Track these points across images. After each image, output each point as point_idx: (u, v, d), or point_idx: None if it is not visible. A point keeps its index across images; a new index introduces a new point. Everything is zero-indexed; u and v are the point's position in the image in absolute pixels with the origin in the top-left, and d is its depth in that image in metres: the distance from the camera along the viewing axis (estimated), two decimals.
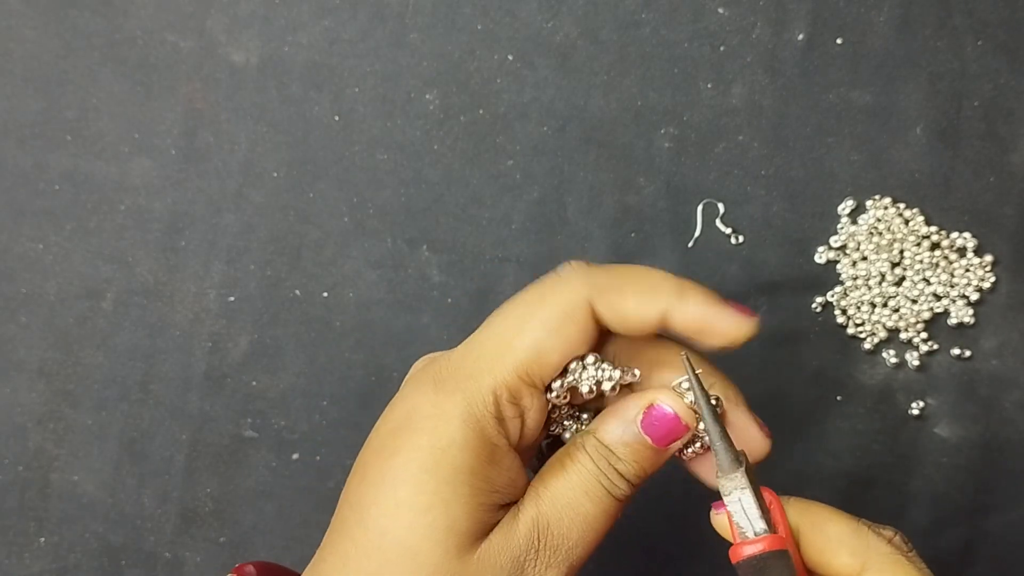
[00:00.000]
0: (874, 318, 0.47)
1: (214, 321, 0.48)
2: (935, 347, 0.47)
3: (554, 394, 0.31)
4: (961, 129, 0.47)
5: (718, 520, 0.31)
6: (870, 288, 0.47)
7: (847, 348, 0.47)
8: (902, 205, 0.47)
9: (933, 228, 0.47)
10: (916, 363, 0.47)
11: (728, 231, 0.47)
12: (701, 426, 0.31)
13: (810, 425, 0.47)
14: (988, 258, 0.46)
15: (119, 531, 0.48)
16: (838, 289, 0.47)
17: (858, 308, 0.47)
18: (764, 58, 0.47)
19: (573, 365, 0.30)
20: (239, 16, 0.49)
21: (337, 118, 0.49)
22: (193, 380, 0.48)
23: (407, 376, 0.33)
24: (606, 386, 0.30)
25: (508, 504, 0.30)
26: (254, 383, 0.48)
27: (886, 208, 0.47)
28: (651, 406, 0.30)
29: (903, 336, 0.47)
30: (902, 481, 0.47)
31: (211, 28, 0.49)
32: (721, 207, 0.48)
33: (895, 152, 0.47)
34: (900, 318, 0.47)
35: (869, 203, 0.47)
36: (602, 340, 0.32)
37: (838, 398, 0.47)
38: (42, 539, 0.48)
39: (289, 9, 0.48)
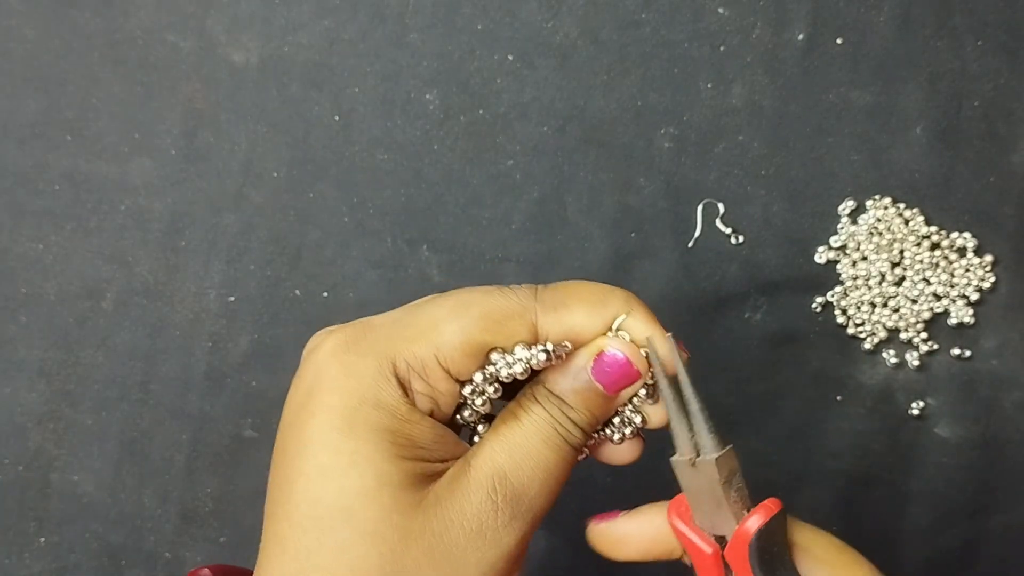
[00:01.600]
0: (874, 318, 0.47)
1: (214, 321, 0.48)
2: (935, 347, 0.47)
3: (473, 385, 0.30)
4: (961, 129, 0.47)
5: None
6: (870, 288, 0.47)
7: (847, 348, 0.47)
8: (902, 205, 0.47)
9: (933, 228, 0.47)
10: (916, 363, 0.47)
11: (728, 231, 0.47)
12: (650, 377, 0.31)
13: (810, 425, 0.47)
14: (988, 258, 0.46)
15: (119, 531, 0.48)
16: (838, 289, 0.47)
17: (858, 308, 0.47)
18: (764, 58, 0.47)
19: (495, 356, 0.30)
20: (239, 16, 0.49)
21: (337, 118, 0.49)
22: (193, 380, 0.48)
23: (308, 346, 0.31)
24: (539, 357, 0.29)
25: (445, 461, 0.30)
26: (254, 383, 0.48)
27: (886, 208, 0.47)
28: (601, 353, 0.30)
29: (903, 336, 0.47)
30: (902, 481, 0.47)
31: (211, 28, 0.49)
32: (721, 207, 0.48)
33: (895, 152, 0.47)
34: (900, 318, 0.47)
35: (869, 203, 0.47)
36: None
37: (838, 398, 0.47)
38: (42, 539, 0.48)
39: (289, 9, 0.48)
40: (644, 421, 0.32)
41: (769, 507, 0.29)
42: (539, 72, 0.48)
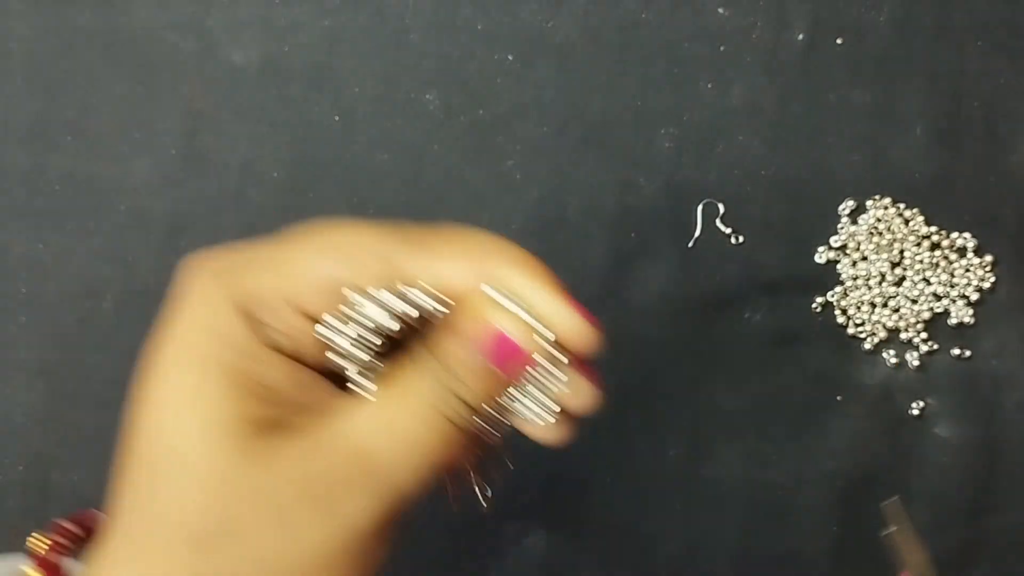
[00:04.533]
0: (874, 318, 0.47)
1: None
2: (935, 347, 0.47)
3: (326, 325, 0.26)
4: (961, 129, 0.47)
5: None
6: (870, 288, 0.47)
7: (847, 348, 0.47)
8: (902, 205, 0.47)
9: (933, 228, 0.47)
10: (916, 363, 0.47)
11: (728, 231, 0.47)
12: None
13: (810, 425, 0.47)
14: (988, 258, 0.46)
15: None
16: (838, 289, 0.47)
17: (858, 308, 0.47)
18: (764, 58, 0.47)
19: (350, 294, 0.25)
20: (239, 16, 0.48)
21: (337, 118, 0.49)
22: None
23: (182, 270, 0.28)
24: (397, 304, 0.25)
25: (310, 412, 0.26)
26: None
27: (886, 208, 0.47)
28: (483, 325, 0.25)
29: (903, 336, 0.47)
30: (902, 481, 0.47)
31: (211, 28, 0.49)
32: (721, 207, 0.48)
33: (895, 152, 0.47)
34: (900, 318, 0.47)
35: (869, 203, 0.47)
36: None
37: (838, 398, 0.47)
38: None
39: (289, 9, 0.48)
40: (561, 403, 0.26)
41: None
42: (539, 72, 0.48)
